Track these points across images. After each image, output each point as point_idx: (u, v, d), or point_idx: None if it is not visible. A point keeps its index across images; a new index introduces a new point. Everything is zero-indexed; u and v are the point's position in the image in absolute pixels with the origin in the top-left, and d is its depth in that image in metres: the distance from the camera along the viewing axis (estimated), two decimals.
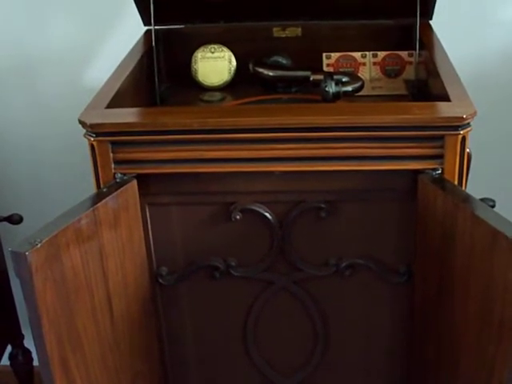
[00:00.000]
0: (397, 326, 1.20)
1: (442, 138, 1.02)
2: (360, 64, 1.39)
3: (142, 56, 1.31)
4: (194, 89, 1.42)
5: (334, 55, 1.39)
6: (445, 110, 1.04)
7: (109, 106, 1.09)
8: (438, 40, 1.32)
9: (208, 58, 1.41)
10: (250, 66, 1.39)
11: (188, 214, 1.13)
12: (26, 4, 1.62)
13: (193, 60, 1.42)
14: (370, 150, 1.04)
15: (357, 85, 1.28)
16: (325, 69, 1.39)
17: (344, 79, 1.28)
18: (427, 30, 1.37)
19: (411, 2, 1.31)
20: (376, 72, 1.39)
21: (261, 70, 1.38)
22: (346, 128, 1.02)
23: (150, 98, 1.34)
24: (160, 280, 1.17)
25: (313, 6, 1.39)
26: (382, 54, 1.38)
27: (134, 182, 1.07)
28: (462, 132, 1.01)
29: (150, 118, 1.09)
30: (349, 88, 1.26)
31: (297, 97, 1.36)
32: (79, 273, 0.99)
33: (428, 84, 1.27)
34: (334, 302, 1.19)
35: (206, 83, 1.42)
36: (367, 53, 1.38)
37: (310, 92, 1.34)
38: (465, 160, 1.04)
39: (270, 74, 1.37)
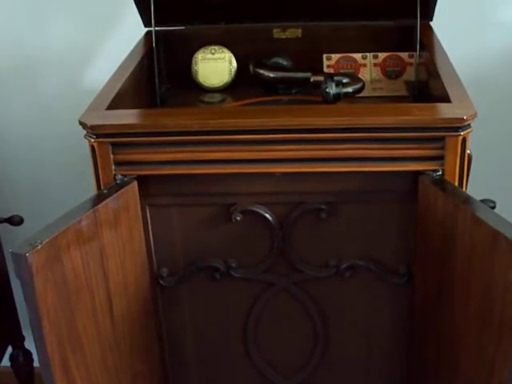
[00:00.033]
0: (397, 327, 1.20)
1: (442, 139, 1.02)
2: (360, 65, 1.38)
3: (142, 57, 1.31)
4: (194, 90, 1.42)
5: (335, 56, 1.39)
6: (445, 111, 1.04)
7: (109, 108, 1.09)
8: (438, 41, 1.32)
9: (208, 59, 1.41)
10: (251, 68, 1.39)
11: (188, 215, 1.13)
12: (26, 4, 1.62)
13: (193, 61, 1.42)
14: (370, 151, 1.04)
15: (357, 86, 1.28)
16: (325, 70, 1.39)
17: (344, 80, 1.28)
18: (427, 31, 1.37)
19: (411, 3, 1.31)
20: (376, 73, 1.39)
21: (261, 71, 1.38)
22: (347, 129, 1.02)
23: (151, 99, 1.34)
24: (161, 281, 1.17)
25: (313, 7, 1.39)
26: (382, 55, 1.38)
27: (135, 184, 1.07)
28: (462, 133, 1.01)
29: (150, 119, 1.09)
30: (349, 89, 1.26)
31: (297, 98, 1.36)
32: (80, 274, 0.99)
33: (428, 85, 1.27)
34: (334, 302, 1.19)
35: (206, 84, 1.42)
36: (368, 54, 1.38)
37: (310, 93, 1.34)
38: (465, 161, 1.04)
39: (271, 75, 1.37)
